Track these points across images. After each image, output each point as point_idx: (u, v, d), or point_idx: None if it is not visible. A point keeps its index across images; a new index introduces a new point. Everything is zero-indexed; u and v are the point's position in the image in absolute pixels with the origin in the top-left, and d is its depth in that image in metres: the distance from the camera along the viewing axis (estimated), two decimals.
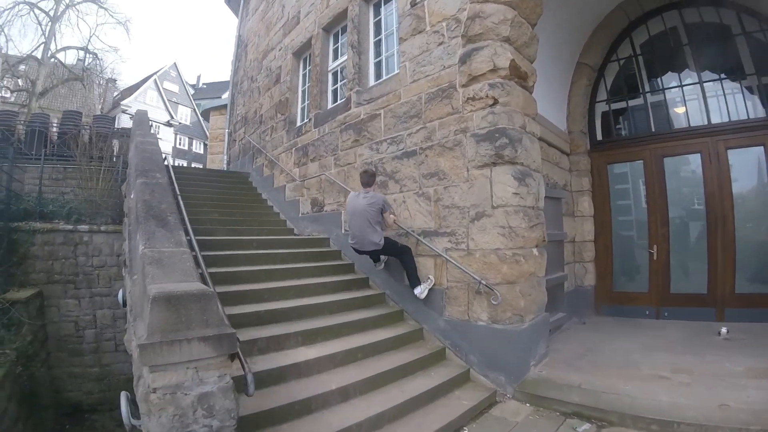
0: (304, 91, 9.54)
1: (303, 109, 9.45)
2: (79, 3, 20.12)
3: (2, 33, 17.69)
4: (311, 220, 7.92)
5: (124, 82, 35.17)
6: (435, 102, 5.37)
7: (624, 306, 7.40)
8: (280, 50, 10.51)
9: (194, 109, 38.05)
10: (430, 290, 5.22)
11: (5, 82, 18.24)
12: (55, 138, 11.52)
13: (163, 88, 36.12)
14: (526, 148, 4.79)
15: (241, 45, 14.32)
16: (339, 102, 7.77)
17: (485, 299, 4.62)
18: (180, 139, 38.33)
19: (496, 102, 4.73)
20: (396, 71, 6.31)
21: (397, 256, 5.62)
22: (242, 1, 14.30)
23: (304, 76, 9.65)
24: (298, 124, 9.28)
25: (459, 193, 4.95)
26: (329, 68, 8.61)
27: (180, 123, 37.91)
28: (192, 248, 3.95)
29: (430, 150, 5.35)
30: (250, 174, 11.46)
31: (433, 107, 5.39)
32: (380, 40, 7.25)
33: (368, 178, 5.64)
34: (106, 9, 20.98)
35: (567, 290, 7.16)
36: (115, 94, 30.64)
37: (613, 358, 5.07)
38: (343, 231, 6.87)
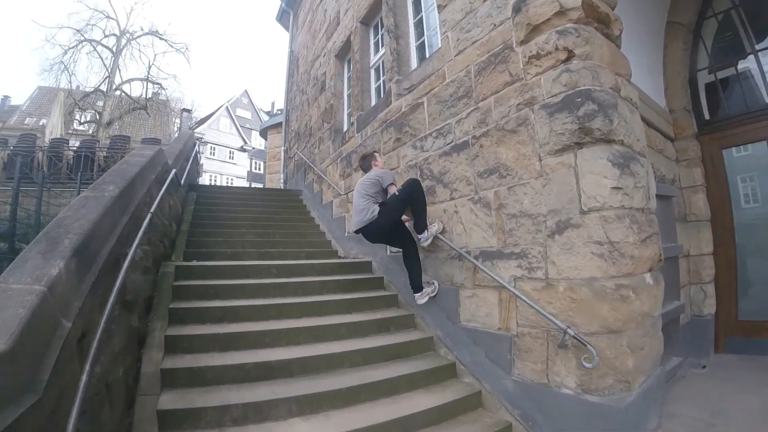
0: (348, 96, 8.44)
1: (349, 115, 8.32)
2: (139, 36, 21.12)
3: (67, 71, 18.57)
4: (357, 240, 6.50)
5: (202, 112, 37.14)
6: (487, 73, 3.93)
7: (754, 340, 5.14)
8: (324, 56, 9.63)
9: None
10: (485, 333, 3.78)
11: (75, 115, 19.00)
12: (102, 162, 11.65)
13: (236, 115, 37.13)
14: (624, 118, 3.16)
15: (293, 60, 13.76)
16: (380, 99, 6.53)
17: (573, 356, 3.01)
18: (255, 164, 38.29)
19: (570, 55, 3.19)
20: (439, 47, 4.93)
21: (401, 243, 4.69)
22: (292, 17, 13.78)
23: (349, 79, 8.56)
24: (344, 131, 8.15)
25: (529, 194, 3.40)
26: (371, 63, 7.48)
27: (254, 148, 38.26)
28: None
29: (486, 137, 3.89)
30: (302, 191, 10.52)
31: (485, 80, 3.95)
32: (420, 19, 5.93)
33: (363, 162, 5.12)
34: (165, 40, 22.06)
35: (682, 323, 5.20)
36: (192, 123, 31.99)
37: (753, 427, 3.33)
38: (388, 252, 5.59)
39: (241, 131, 37.83)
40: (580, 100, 3.08)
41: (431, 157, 4.68)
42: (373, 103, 7.10)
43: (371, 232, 4.67)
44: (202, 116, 36.08)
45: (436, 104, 4.67)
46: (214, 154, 34.65)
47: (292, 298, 4.70)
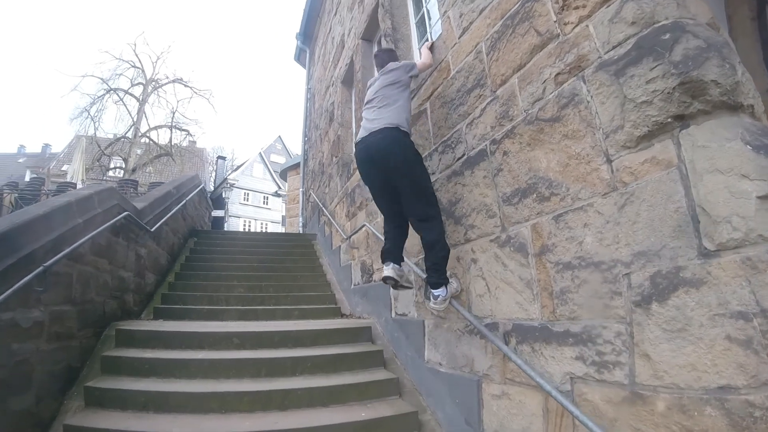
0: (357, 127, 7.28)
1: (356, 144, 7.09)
2: (164, 84, 21.49)
3: (92, 120, 18.78)
4: (361, 294, 5.26)
5: (240, 160, 37.35)
6: (503, 43, 2.58)
7: None
8: (332, 85, 8.52)
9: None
10: None
11: (103, 162, 18.90)
12: None
13: (270, 161, 37.04)
14: (743, 69, 1.67)
15: (310, 98, 12.86)
16: None
17: None
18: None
19: None
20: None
21: (422, 210, 2.86)
22: (308, 55, 12.99)
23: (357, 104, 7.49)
24: (350, 163, 6.83)
25: (595, 225, 1.91)
26: None
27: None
28: None
29: (512, 138, 2.48)
30: (317, 235, 9.30)
31: (501, 54, 2.60)
32: (423, 17, 4.59)
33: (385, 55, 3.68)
34: (190, 87, 22.29)
35: None
36: (227, 170, 32.21)
37: None
38: (393, 314, 4.14)
39: (275, 176, 37.22)
40: (669, 36, 1.64)
41: (437, 182, 3.28)
42: None
43: (379, 156, 2.97)
44: (240, 163, 36.23)
45: (441, 108, 3.34)
46: (248, 200, 34.38)
47: (248, 382, 3.45)
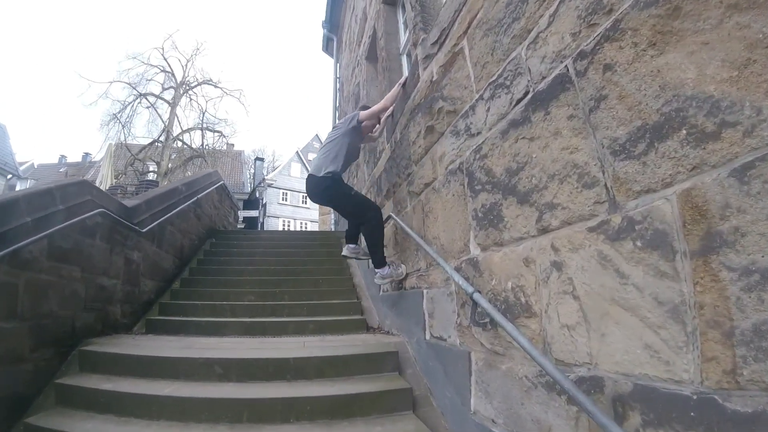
0: None
1: (383, 132, 6.07)
2: (195, 86, 21.23)
3: (122, 126, 18.66)
4: (390, 305, 4.10)
5: (282, 161, 37.02)
6: None
7: None
8: (357, 65, 7.59)
9: None
10: None
11: (137, 167, 18.74)
12: None
13: (308, 160, 36.21)
14: None
15: (339, 87, 11.94)
16: (407, 85, 4.00)
17: None
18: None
19: None
20: None
21: (359, 218, 3.90)
22: (336, 43, 12.14)
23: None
24: (379, 148, 5.88)
25: None
26: (400, 49, 5.23)
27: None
28: None
29: (617, 42, 1.31)
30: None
31: None
32: None
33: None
34: (220, 88, 21.77)
35: None
36: (266, 171, 31.98)
37: None
38: (428, 336, 2.98)
39: None
40: None
41: (487, 143, 2.11)
42: None
43: (316, 194, 3.95)
44: (280, 165, 35.96)
45: (484, 38, 2.16)
46: (286, 200, 33.55)
47: (224, 430, 2.43)
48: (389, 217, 3.81)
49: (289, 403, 2.59)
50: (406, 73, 5.12)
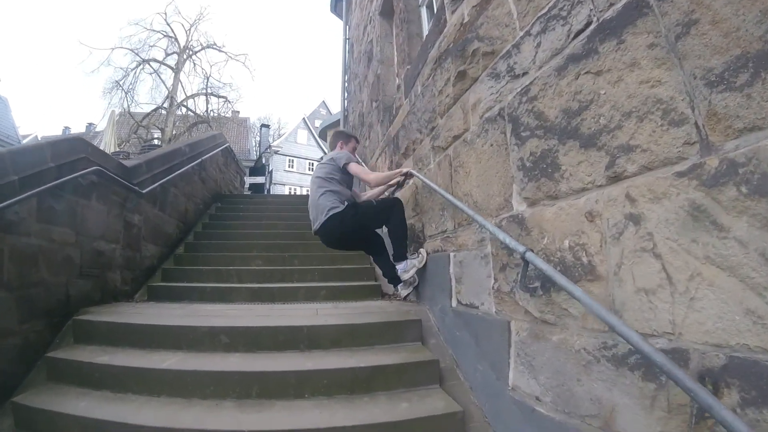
0: (400, 62, 5.77)
1: (399, 86, 5.58)
2: (198, 51, 21.03)
3: (125, 93, 18.54)
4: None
5: (289, 129, 36.86)
6: None
7: None
8: (370, 22, 7.13)
9: None
10: None
11: (138, 134, 18.58)
12: None
13: (314, 127, 35.79)
14: None
15: (349, 48, 11.52)
16: (430, 33, 3.69)
17: None
18: None
19: None
20: None
21: (384, 223, 3.67)
22: (344, 3, 11.71)
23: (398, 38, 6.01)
24: (393, 105, 5.41)
25: None
26: (419, 0, 4.83)
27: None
28: None
29: None
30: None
31: None
32: None
33: (332, 139, 4.21)
34: (225, 52, 21.56)
35: None
36: (273, 138, 31.76)
37: None
38: (454, 303, 2.79)
39: (320, 142, 36.48)
40: None
41: (537, 83, 1.82)
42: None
43: (333, 235, 3.64)
44: (286, 132, 35.72)
45: None
46: (292, 167, 33.13)
47: (229, 408, 2.27)
48: (407, 173, 3.51)
49: (303, 377, 2.39)
50: (425, 24, 4.84)
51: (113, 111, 15.66)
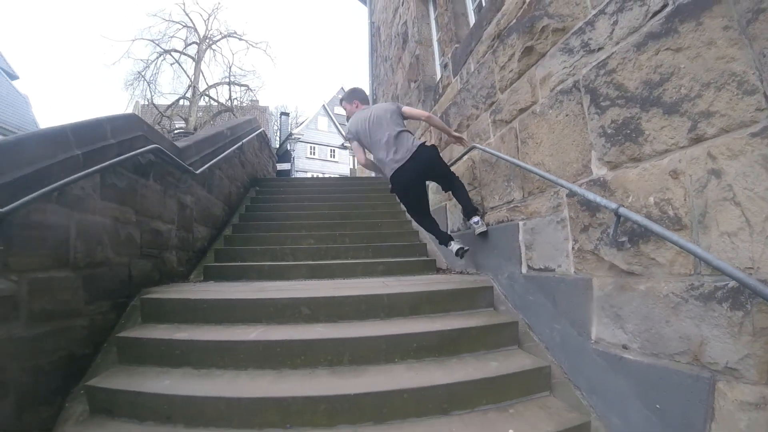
0: (439, 41, 6.08)
1: (441, 65, 5.95)
2: (218, 40, 21.88)
3: (147, 84, 19.15)
4: (465, 243, 4.10)
5: (308, 116, 37.45)
6: None
7: None
8: (402, 3, 7.44)
9: None
10: None
11: (162, 124, 19.25)
12: None
13: (334, 113, 36.46)
14: None
15: (375, 32, 11.97)
16: (483, 11, 4.02)
17: None
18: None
19: None
20: None
21: (451, 181, 4.03)
22: None
23: (436, 19, 6.27)
24: (436, 83, 5.73)
25: None
26: None
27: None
28: None
29: None
30: None
31: None
32: None
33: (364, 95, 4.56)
34: (245, 41, 23.79)
35: None
36: (292, 126, 32.50)
37: None
38: (524, 269, 3.07)
39: (340, 129, 37.39)
40: None
41: (615, 58, 2.10)
42: (471, 25, 4.69)
43: (420, 165, 3.81)
44: (304, 119, 36.43)
45: None
46: (314, 154, 34.22)
47: (324, 376, 2.48)
48: (472, 147, 3.81)
49: (392, 342, 2.65)
50: (470, 3, 5.07)
51: (137, 102, 16.44)
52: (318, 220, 5.93)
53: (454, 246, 3.90)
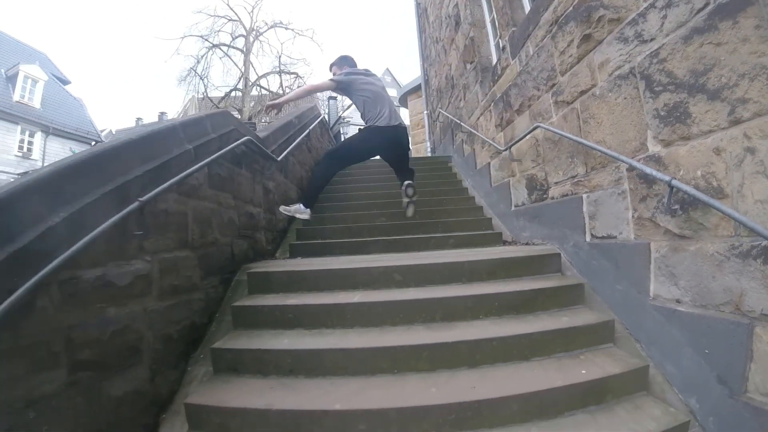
0: (492, 21, 6.38)
1: (497, 45, 6.23)
2: (265, 31, 22.97)
3: (200, 78, 20.36)
4: (530, 217, 4.65)
5: (347, 101, 38.29)
6: None
7: None
8: None
9: None
10: None
11: None
12: None
13: None
14: None
15: (421, 12, 12.41)
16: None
17: None
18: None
19: None
20: None
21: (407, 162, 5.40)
22: None
23: (488, 2, 6.53)
24: (493, 65, 6.06)
25: None
26: None
27: (407, 125, 38.02)
28: None
29: None
30: (452, 157, 8.95)
31: None
32: None
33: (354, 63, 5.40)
34: (291, 29, 24.41)
35: None
36: (340, 111, 33.59)
37: None
38: (588, 238, 3.50)
39: None
40: None
41: (665, 48, 2.47)
42: (527, 11, 4.99)
43: (403, 139, 5.24)
44: (350, 103, 37.15)
45: None
46: None
47: (421, 330, 2.99)
48: (536, 127, 4.14)
49: (476, 301, 3.16)
50: None
51: (194, 96, 17.50)
52: (386, 199, 6.49)
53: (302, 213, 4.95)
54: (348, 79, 4.88)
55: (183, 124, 3.46)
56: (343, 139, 8.21)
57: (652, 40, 2.57)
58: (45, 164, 22.52)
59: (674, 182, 2.32)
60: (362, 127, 4.96)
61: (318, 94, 35.00)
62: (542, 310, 3.18)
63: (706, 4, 2.17)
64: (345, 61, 5.32)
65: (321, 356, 2.76)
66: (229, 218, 4.02)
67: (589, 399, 2.43)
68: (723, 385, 2.17)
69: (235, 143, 4.06)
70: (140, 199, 2.53)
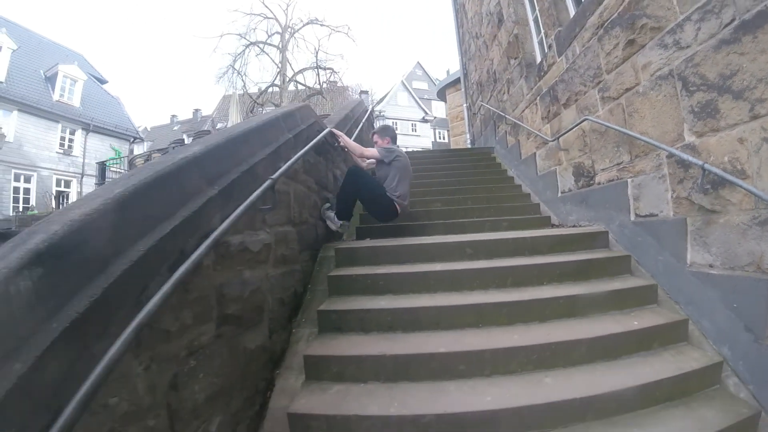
0: (535, 20, 6.99)
1: (540, 42, 6.89)
2: (300, 28, 24.18)
3: (239, 75, 21.51)
4: (576, 201, 5.25)
5: (381, 93, 39.54)
6: None
7: None
8: None
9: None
10: None
11: (255, 111, 21.40)
12: None
13: (412, 88, 38.09)
14: None
15: (459, 8, 13.07)
16: (588, 2, 4.80)
17: None
18: (439, 133, 40.98)
19: None
20: None
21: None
22: None
23: (531, 1, 7.12)
24: (538, 61, 6.67)
25: None
26: None
27: (435, 118, 40.75)
28: None
29: None
30: (494, 148, 9.58)
31: None
32: None
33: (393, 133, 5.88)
34: (327, 26, 24.59)
35: None
36: (372, 103, 34.53)
37: None
38: (633, 217, 4.09)
39: (420, 103, 39.46)
40: None
41: (699, 55, 3.07)
42: (571, 13, 5.64)
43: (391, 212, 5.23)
44: (381, 97, 38.29)
45: None
46: (396, 129, 35.18)
47: (496, 292, 3.61)
48: (584, 119, 4.71)
49: (540, 269, 3.80)
50: None
51: (234, 91, 18.45)
52: (439, 187, 7.17)
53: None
54: (392, 155, 5.20)
55: (283, 116, 4.06)
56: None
57: (687, 47, 3.16)
58: (86, 160, 24.32)
59: (706, 166, 2.91)
60: (383, 188, 5.17)
61: (350, 86, 36.16)
62: (595, 278, 3.81)
63: (732, 20, 2.75)
64: (387, 133, 5.78)
65: (416, 313, 3.32)
66: (314, 201, 4.66)
67: (642, 345, 3.07)
68: (749, 332, 2.76)
69: (323, 132, 4.81)
70: (272, 177, 3.05)
